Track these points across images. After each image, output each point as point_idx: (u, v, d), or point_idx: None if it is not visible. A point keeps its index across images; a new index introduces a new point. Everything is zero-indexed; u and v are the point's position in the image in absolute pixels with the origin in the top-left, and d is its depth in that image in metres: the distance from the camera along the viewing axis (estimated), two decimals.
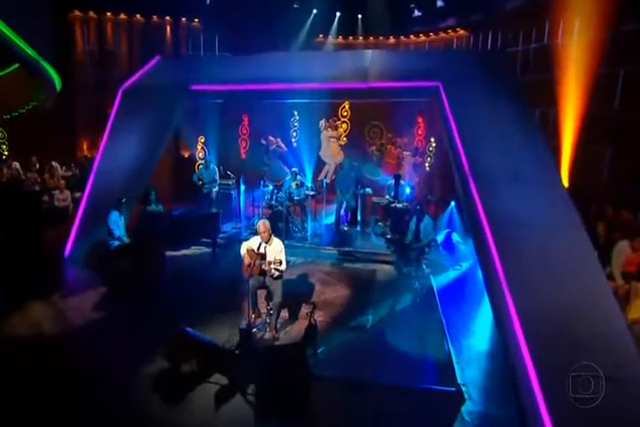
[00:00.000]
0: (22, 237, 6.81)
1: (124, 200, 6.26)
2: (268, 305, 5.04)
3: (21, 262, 6.28)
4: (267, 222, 4.89)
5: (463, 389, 4.08)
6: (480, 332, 5.26)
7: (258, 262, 4.76)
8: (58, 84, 8.19)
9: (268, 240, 4.88)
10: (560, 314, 3.76)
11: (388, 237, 7.02)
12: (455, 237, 8.57)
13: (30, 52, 7.21)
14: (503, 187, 4.98)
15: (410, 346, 4.79)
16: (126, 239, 6.14)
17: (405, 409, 3.83)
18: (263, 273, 4.85)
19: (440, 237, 8.27)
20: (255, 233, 5.16)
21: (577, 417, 3.17)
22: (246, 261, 4.82)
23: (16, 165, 8.81)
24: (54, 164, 8.92)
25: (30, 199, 7.65)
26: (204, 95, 7.92)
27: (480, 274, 6.99)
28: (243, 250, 4.94)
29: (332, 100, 8.43)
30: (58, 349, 4.55)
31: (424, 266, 6.74)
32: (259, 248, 4.75)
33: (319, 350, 4.52)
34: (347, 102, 11.18)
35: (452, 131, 6.18)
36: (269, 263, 4.66)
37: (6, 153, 9.74)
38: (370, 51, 8.23)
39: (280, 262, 4.64)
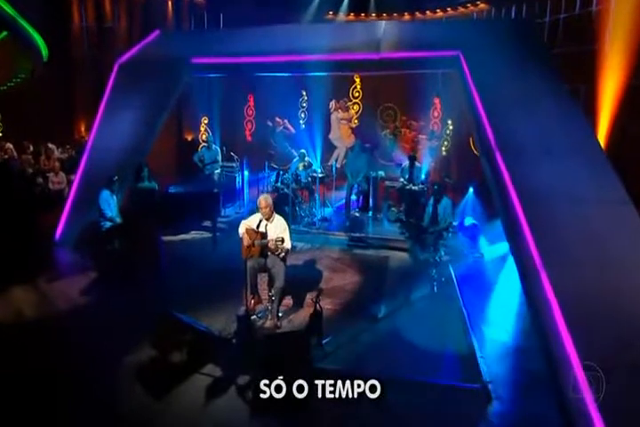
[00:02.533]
0: (12, 221, 6.49)
1: (117, 178, 5.87)
2: (270, 291, 4.61)
3: (10, 246, 5.95)
4: (268, 197, 4.44)
5: (489, 386, 3.61)
6: (506, 324, 4.78)
7: (258, 242, 4.33)
8: (45, 54, 7.85)
9: (270, 217, 4.44)
10: (606, 299, 3.25)
11: (402, 219, 6.51)
12: (475, 224, 8.08)
13: (18, 18, 6.81)
14: (535, 160, 4.46)
15: (427, 338, 4.32)
16: (119, 220, 5.75)
17: (422, 408, 3.39)
18: (264, 254, 4.41)
19: (459, 224, 7.79)
20: None
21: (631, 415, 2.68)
22: (245, 241, 4.38)
23: (9, 146, 8.55)
24: (50, 145, 8.62)
25: (21, 181, 7.33)
26: (205, 69, 7.48)
27: (504, 262, 6.61)
28: (241, 229, 4.51)
29: (341, 72, 7.90)
30: (36, 335, 4.20)
31: (442, 252, 6.23)
32: (258, 226, 4.31)
33: (325, 341, 4.08)
34: (358, 82, 10.67)
35: (475, 102, 5.65)
36: (274, 242, 4.20)
37: (0, 135, 9.50)
38: (383, 21, 7.70)
39: (282, 240, 4.18)
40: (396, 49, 6.69)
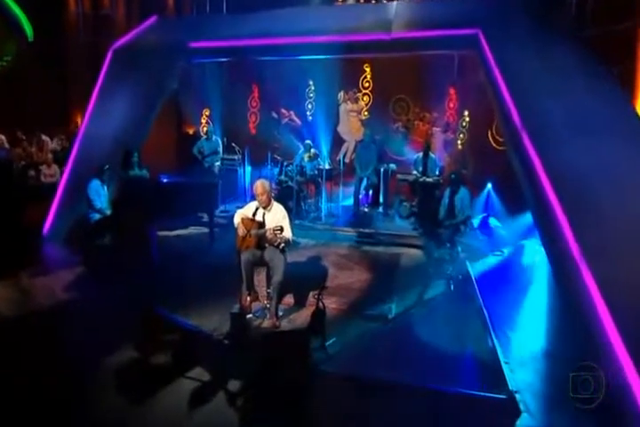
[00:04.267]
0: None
1: (107, 167, 5.58)
2: (268, 287, 4.25)
3: None
4: (265, 183, 4.10)
5: (517, 397, 3.19)
6: (533, 326, 4.34)
7: (254, 232, 3.98)
8: (29, 33, 7.66)
9: (268, 205, 4.09)
10: None
11: (415, 212, 6.12)
12: (494, 221, 7.69)
13: None
14: (568, 140, 4.04)
15: (443, 341, 3.92)
16: (109, 212, 5.45)
17: (438, 421, 2.97)
18: (261, 246, 4.06)
19: (477, 222, 7.40)
20: None
21: None
22: (240, 231, 4.04)
23: (1, 138, 8.37)
24: (44, 137, 8.43)
25: (9, 173, 7.11)
26: (204, 54, 7.18)
27: (527, 260, 6.19)
28: (236, 219, 4.17)
29: (349, 55, 7.54)
30: (10, 332, 3.88)
31: (459, 248, 5.82)
32: (254, 214, 3.96)
33: (328, 342, 3.69)
34: (369, 72, 10.29)
35: (497, 83, 5.25)
36: (272, 231, 3.85)
37: None
38: (394, 2, 7.33)
39: (281, 229, 3.82)
40: (409, 29, 6.32)
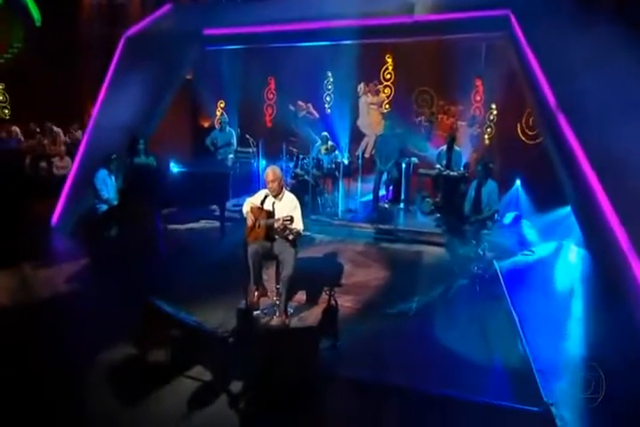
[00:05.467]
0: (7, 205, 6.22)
1: (115, 157, 5.45)
2: (278, 283, 4.01)
3: (4, 231, 5.66)
4: (277, 169, 3.87)
5: (552, 410, 2.87)
6: (570, 331, 3.98)
7: (263, 223, 3.75)
8: (37, 18, 7.65)
9: (278, 194, 3.86)
10: None
11: (438, 206, 5.80)
12: (522, 218, 7.31)
13: None
14: (611, 123, 3.68)
15: (468, 345, 3.62)
16: (115, 203, 5.32)
17: None
18: (270, 238, 3.82)
19: (505, 219, 7.03)
20: None
21: None
22: (249, 221, 3.82)
23: (16, 129, 8.41)
24: (56, 129, 8.43)
25: (20, 165, 7.10)
26: (218, 41, 7.03)
27: (561, 260, 5.79)
28: (245, 208, 3.96)
29: (369, 40, 7.26)
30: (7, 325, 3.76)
31: (485, 246, 5.47)
32: (263, 202, 3.73)
33: (340, 343, 3.43)
34: (390, 63, 9.99)
35: (531, 65, 4.92)
36: (281, 222, 3.62)
37: (8, 117, 9.43)
38: None
39: (291, 219, 3.58)
40: (433, 11, 6.01)
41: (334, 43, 7.31)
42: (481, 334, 3.85)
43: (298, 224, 3.74)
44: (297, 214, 3.78)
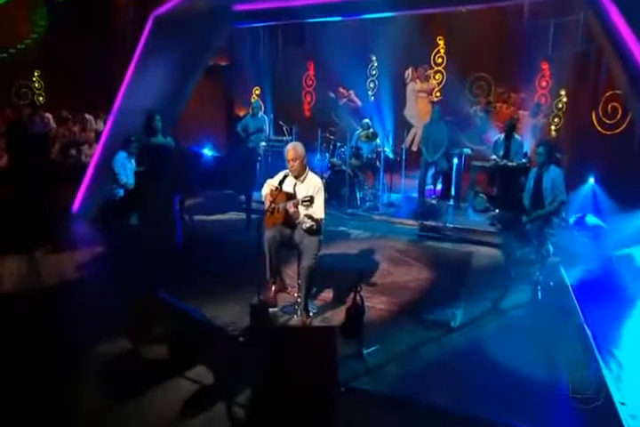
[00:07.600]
0: (31, 192, 6.27)
1: (135, 138, 5.28)
2: (299, 277, 3.62)
3: (24, 217, 5.65)
4: (299, 146, 3.50)
5: None
6: None
7: (282, 206, 3.38)
8: None
9: (301, 174, 3.48)
10: None
11: (493, 202, 5.21)
12: (596, 220, 6.54)
13: None
14: None
15: (527, 364, 3.05)
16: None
17: None
18: (291, 224, 3.45)
19: (573, 220, 6.33)
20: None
21: None
22: (267, 203, 3.47)
23: (48, 116, 8.61)
24: (87, 116, 8.54)
25: (42, 148, 7.18)
26: (249, 18, 6.79)
27: None
28: (265, 190, 3.62)
29: (414, 10, 6.76)
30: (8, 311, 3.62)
31: (549, 246, 4.81)
32: (281, 183, 3.36)
33: (368, 350, 2.98)
34: (442, 46, 9.39)
35: (614, 22, 4.28)
36: (295, 205, 3.24)
37: (42, 104, 9.71)
38: None
39: (310, 200, 3.17)
40: None
41: (378, 15, 6.85)
42: (544, 352, 3.28)
43: (318, 211, 3.34)
44: (319, 199, 3.38)
